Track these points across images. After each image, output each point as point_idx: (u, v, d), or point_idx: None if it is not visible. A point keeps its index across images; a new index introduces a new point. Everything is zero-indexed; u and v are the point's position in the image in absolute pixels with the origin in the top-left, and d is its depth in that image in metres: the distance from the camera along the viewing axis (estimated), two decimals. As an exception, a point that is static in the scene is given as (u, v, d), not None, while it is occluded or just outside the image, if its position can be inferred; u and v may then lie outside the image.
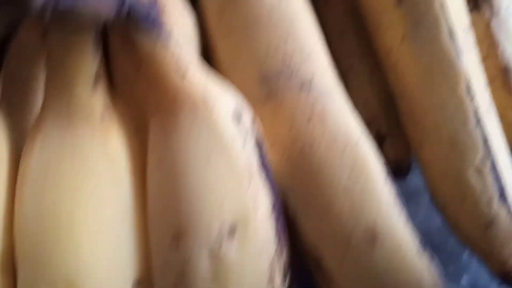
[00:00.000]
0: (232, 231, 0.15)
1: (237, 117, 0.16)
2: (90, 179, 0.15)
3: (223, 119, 0.15)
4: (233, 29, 0.19)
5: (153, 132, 0.15)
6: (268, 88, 0.18)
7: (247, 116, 0.16)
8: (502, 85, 0.25)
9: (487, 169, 0.20)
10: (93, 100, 0.15)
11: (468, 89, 0.20)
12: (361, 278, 0.17)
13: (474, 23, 0.24)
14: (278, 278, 0.16)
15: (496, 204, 0.20)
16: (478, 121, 0.20)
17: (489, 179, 0.20)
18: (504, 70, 0.24)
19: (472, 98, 0.20)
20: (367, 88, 0.25)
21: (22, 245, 0.15)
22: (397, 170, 0.25)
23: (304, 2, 0.20)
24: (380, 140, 0.25)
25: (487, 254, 0.21)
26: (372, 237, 0.16)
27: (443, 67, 0.20)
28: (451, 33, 0.20)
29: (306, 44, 0.18)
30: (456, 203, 0.21)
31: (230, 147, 0.15)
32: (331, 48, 0.22)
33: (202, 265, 0.15)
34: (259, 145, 0.16)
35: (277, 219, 0.17)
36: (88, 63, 0.15)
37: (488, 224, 0.20)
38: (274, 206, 0.16)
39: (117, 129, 0.15)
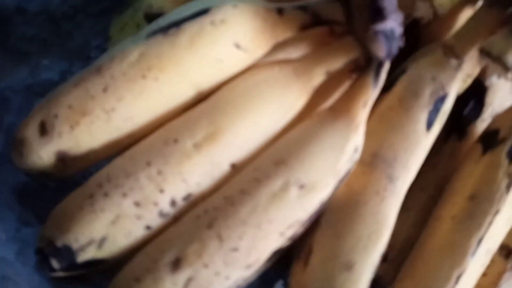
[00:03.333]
0: (303, 185, 0.24)
1: (355, 150, 0.26)
2: (275, 103, 0.25)
3: (351, 142, 0.25)
4: (386, 119, 0.29)
5: (318, 116, 0.26)
6: (373, 160, 0.28)
7: (357, 155, 0.26)
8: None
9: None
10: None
11: (458, 277, 0.28)
12: (323, 279, 0.25)
13: (496, 263, 0.33)
14: (287, 234, 0.25)
15: None
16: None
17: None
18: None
19: (455, 284, 0.28)
20: (405, 227, 0.34)
21: (219, 93, 0.26)
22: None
23: (427, 149, 0.30)
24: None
25: None
26: (349, 267, 0.25)
27: (458, 251, 0.28)
28: (480, 241, 0.29)
29: (411, 162, 0.28)
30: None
31: (342, 154, 0.25)
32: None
33: (276, 183, 0.24)
34: (347, 172, 0.26)
35: (316, 212, 0.25)
36: None
37: None
38: (321, 203, 0.25)
39: (306, 99, 0.26)
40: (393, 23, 0.21)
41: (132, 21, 0.38)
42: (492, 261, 0.32)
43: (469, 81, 0.34)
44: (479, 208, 0.29)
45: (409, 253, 0.32)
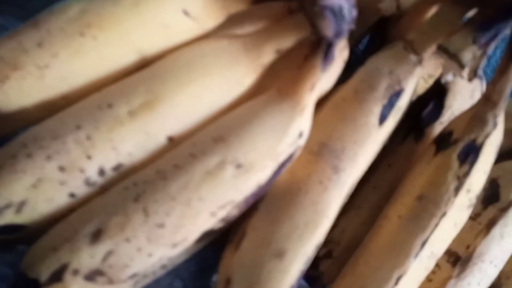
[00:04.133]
0: (240, 165, 0.23)
1: (300, 135, 0.24)
2: (220, 77, 0.24)
3: (295, 125, 0.24)
4: (339, 109, 0.28)
5: (264, 96, 0.24)
6: (320, 149, 0.27)
7: (302, 140, 0.25)
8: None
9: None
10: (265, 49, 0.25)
11: (398, 279, 0.27)
12: (253, 264, 0.24)
13: (442, 269, 0.32)
14: (219, 215, 0.24)
15: None
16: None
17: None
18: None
19: (395, 285, 0.27)
20: (354, 225, 0.33)
21: (161, 61, 0.25)
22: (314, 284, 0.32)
23: (378, 144, 0.29)
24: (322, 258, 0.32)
25: None
26: (279, 255, 0.24)
27: (401, 252, 0.27)
28: (423, 243, 0.28)
29: (359, 155, 0.27)
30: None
31: (284, 137, 0.23)
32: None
33: (212, 160, 0.23)
34: (290, 157, 0.25)
35: (253, 194, 0.24)
36: None
37: None
38: (259, 187, 0.24)
39: (254, 78, 0.25)
40: (342, 0, 0.21)
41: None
42: (438, 267, 0.32)
43: (431, 82, 0.33)
44: (426, 210, 0.28)
45: (353, 252, 0.31)
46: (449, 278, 0.32)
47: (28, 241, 0.25)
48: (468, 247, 0.33)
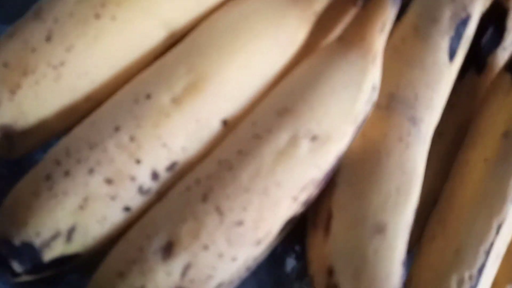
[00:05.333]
0: (315, 137, 0.19)
1: (374, 88, 0.21)
2: (270, 37, 0.20)
3: (369, 78, 0.20)
4: (401, 53, 0.24)
5: (325, 50, 0.21)
6: (390, 102, 0.23)
7: (376, 95, 0.21)
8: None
9: (467, 286, 0.24)
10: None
11: (499, 227, 0.25)
12: (352, 246, 0.20)
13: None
14: (301, 198, 0.20)
15: (452, 314, 0.24)
16: (488, 252, 0.24)
17: (463, 293, 0.24)
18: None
19: (496, 234, 0.25)
20: (426, 180, 0.30)
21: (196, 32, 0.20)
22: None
23: (451, 83, 0.25)
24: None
25: None
26: (381, 230, 0.20)
27: (496, 198, 0.25)
28: (519, 185, 0.25)
29: (435, 100, 0.24)
30: (426, 293, 0.25)
31: (360, 93, 0.20)
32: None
33: (282, 138, 0.19)
34: (366, 116, 0.21)
35: (332, 168, 0.21)
36: None
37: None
38: (338, 158, 0.21)
39: (308, 30, 0.21)
40: None
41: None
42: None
43: (487, 5, 0.29)
44: (516, 146, 0.25)
45: (433, 208, 0.28)
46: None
47: (81, 269, 0.22)
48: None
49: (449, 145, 0.30)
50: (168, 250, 0.19)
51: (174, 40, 0.21)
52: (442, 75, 0.24)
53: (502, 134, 0.25)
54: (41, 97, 0.19)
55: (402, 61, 0.24)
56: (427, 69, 0.24)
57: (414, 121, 0.23)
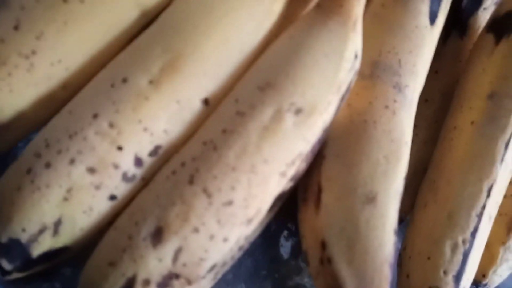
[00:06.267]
0: (299, 110, 0.19)
1: (356, 56, 0.20)
2: (245, 10, 0.19)
3: (351, 46, 0.20)
4: (381, 19, 0.24)
5: (303, 20, 0.20)
6: (373, 70, 0.23)
7: (358, 63, 0.21)
8: (507, 223, 0.29)
9: (461, 250, 0.24)
10: None
11: (490, 189, 0.25)
12: (344, 218, 0.20)
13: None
14: (289, 173, 0.20)
15: (449, 277, 0.24)
16: (481, 214, 0.24)
17: (458, 257, 0.24)
18: (515, 212, 0.28)
19: (488, 197, 0.25)
20: (415, 147, 0.30)
21: (169, 10, 0.20)
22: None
23: (433, 47, 0.25)
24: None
25: (413, 312, 0.24)
26: (371, 199, 0.20)
27: (485, 160, 0.25)
28: (507, 144, 0.25)
29: (418, 65, 0.23)
30: (421, 259, 0.25)
31: (342, 62, 0.19)
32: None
33: (266, 113, 0.19)
34: (349, 85, 0.21)
35: (319, 141, 0.21)
36: None
37: (433, 287, 0.24)
38: (324, 129, 0.20)
39: (285, 1, 0.20)
40: None
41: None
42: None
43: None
44: (502, 107, 0.25)
45: (423, 176, 0.28)
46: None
47: (75, 262, 0.22)
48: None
49: (436, 111, 0.30)
50: (158, 236, 0.18)
51: (148, 19, 0.20)
52: (424, 40, 0.24)
53: (488, 96, 0.25)
54: (16, 89, 0.19)
55: (382, 28, 0.24)
56: (409, 34, 0.24)
57: (399, 87, 0.23)
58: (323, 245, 0.20)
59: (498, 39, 0.25)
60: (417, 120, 0.29)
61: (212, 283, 0.21)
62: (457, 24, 0.29)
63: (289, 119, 0.19)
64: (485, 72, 0.26)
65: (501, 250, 0.29)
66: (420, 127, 0.30)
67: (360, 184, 0.20)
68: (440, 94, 0.30)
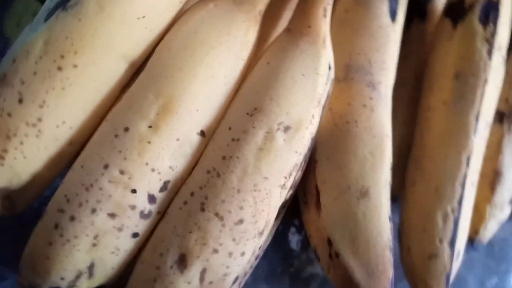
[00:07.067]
0: (287, 127, 0.21)
1: (330, 67, 0.22)
2: (223, 45, 0.21)
3: (324, 61, 0.22)
4: (347, 24, 0.26)
5: (276, 45, 0.22)
6: (347, 73, 0.25)
7: (333, 73, 0.23)
8: (489, 182, 0.31)
9: (452, 218, 0.27)
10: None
11: (468, 159, 0.27)
12: (343, 215, 0.22)
13: (492, 132, 0.32)
14: (288, 184, 0.22)
15: (445, 244, 0.26)
16: (463, 184, 0.27)
17: (450, 225, 0.27)
18: (496, 172, 0.31)
19: (467, 167, 0.27)
20: (397, 129, 0.32)
21: (154, 58, 0.21)
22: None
23: (398, 41, 0.27)
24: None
25: (418, 280, 0.27)
26: (364, 194, 0.23)
27: (460, 135, 0.27)
28: (477, 117, 0.27)
29: (387, 61, 0.25)
30: (417, 232, 0.27)
31: (319, 77, 0.21)
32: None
33: (258, 136, 0.21)
34: (328, 95, 0.23)
35: (309, 149, 0.23)
36: None
37: (432, 255, 0.26)
38: (312, 139, 0.23)
39: (257, 30, 0.22)
40: None
41: (26, 11, 0.32)
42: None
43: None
44: (468, 84, 0.27)
45: (409, 154, 0.31)
46: (501, 136, 0.32)
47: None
48: (507, 100, 0.33)
49: (412, 93, 0.32)
50: (183, 262, 0.21)
51: (135, 69, 0.22)
52: (389, 37, 0.26)
53: (454, 76, 0.27)
54: (28, 154, 0.20)
55: (349, 32, 0.26)
56: (374, 34, 0.26)
57: (373, 85, 0.25)
58: (329, 242, 0.22)
59: (454, 24, 0.28)
60: (396, 104, 0.32)
61: (237, 292, 0.24)
62: (417, 10, 0.31)
63: (280, 137, 0.21)
64: (448, 55, 0.28)
65: (488, 208, 0.32)
66: (399, 110, 0.32)
67: (352, 182, 0.23)
68: (413, 77, 0.32)
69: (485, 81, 0.27)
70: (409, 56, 0.32)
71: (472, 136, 0.27)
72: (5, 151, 0.20)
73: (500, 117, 0.32)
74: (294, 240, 0.31)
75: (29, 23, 0.34)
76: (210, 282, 0.21)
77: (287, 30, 0.22)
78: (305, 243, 0.31)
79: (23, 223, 0.24)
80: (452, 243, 0.26)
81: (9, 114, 0.20)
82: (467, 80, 0.27)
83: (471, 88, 0.27)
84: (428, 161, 0.28)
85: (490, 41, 0.26)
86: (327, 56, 0.22)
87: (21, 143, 0.20)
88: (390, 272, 0.23)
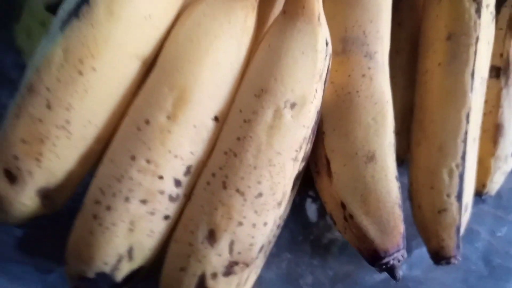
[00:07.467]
0: (294, 104, 0.23)
1: (327, 43, 0.24)
2: (226, 34, 0.23)
3: (321, 38, 0.23)
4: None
5: (274, 27, 0.23)
6: (344, 46, 0.27)
7: (330, 47, 0.24)
8: (491, 137, 0.33)
9: (457, 174, 0.28)
10: None
11: (467, 116, 0.28)
12: (353, 179, 0.24)
13: (490, 87, 0.33)
14: (299, 156, 0.24)
15: (452, 198, 0.28)
16: (465, 140, 0.28)
17: (455, 180, 0.28)
18: (497, 126, 0.32)
19: (467, 123, 0.28)
20: (398, 95, 0.33)
21: (164, 53, 0.23)
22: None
23: (389, 9, 0.28)
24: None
25: (431, 234, 0.29)
26: (371, 158, 0.24)
27: (457, 93, 0.28)
28: (472, 74, 0.28)
29: (381, 30, 0.27)
30: (426, 189, 0.29)
31: (317, 54, 0.23)
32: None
33: (267, 115, 0.23)
34: (328, 69, 0.24)
35: (316, 122, 0.24)
36: None
37: (442, 210, 0.28)
38: (318, 112, 0.24)
39: (255, 15, 0.24)
40: None
41: (35, 22, 0.34)
42: (487, 86, 0.33)
43: None
44: (460, 43, 0.28)
45: (412, 117, 0.32)
46: (499, 91, 0.34)
47: (148, 274, 0.26)
48: (501, 55, 0.34)
49: (409, 59, 0.33)
50: (212, 237, 0.23)
51: (148, 65, 0.23)
52: (380, 6, 0.27)
53: (446, 38, 0.29)
54: (62, 155, 0.23)
55: (342, 6, 0.27)
56: (366, 6, 0.27)
57: (369, 55, 0.26)
58: (343, 206, 0.24)
59: (443, -14, 0.29)
60: (394, 71, 0.33)
61: (264, 260, 0.26)
62: (406, -23, 0.32)
63: (287, 114, 0.23)
64: (439, 18, 0.29)
65: (492, 161, 0.33)
66: (398, 76, 0.33)
67: (358, 148, 0.24)
68: (408, 43, 0.33)
69: (477, 39, 0.28)
70: (402, 23, 0.33)
71: (469, 93, 0.28)
72: (40, 154, 0.22)
73: (496, 72, 0.33)
74: (311, 210, 0.33)
75: (38, 32, 0.36)
76: (239, 253, 0.23)
77: (283, 12, 0.23)
78: (322, 211, 0.33)
79: (58, 219, 0.26)
80: (459, 197, 0.28)
81: (40, 120, 0.22)
82: (459, 40, 0.28)
83: (464, 47, 0.28)
84: (429, 122, 0.29)
85: (477, 0, 0.28)
86: (323, 32, 0.23)
87: (54, 145, 0.22)
88: (401, 227, 0.24)
